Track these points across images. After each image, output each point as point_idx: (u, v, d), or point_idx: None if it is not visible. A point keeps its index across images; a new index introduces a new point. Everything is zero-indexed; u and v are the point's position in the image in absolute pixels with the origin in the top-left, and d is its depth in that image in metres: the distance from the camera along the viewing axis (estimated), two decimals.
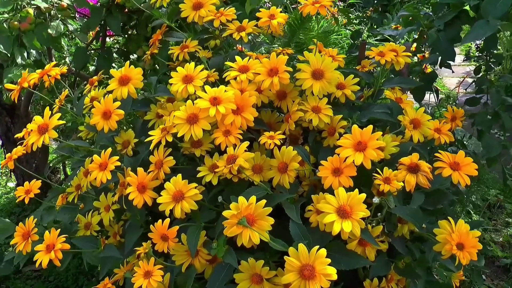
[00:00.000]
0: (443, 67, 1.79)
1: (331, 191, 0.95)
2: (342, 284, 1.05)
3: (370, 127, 1.01)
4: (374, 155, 0.98)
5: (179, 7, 1.38)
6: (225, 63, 1.23)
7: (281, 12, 1.36)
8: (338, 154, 1.01)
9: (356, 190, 0.93)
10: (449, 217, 1.00)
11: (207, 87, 1.10)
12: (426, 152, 1.20)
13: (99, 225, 1.28)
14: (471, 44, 4.19)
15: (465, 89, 2.59)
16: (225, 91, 1.09)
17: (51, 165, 2.34)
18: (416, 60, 1.89)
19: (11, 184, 3.14)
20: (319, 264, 0.83)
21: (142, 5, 1.64)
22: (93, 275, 2.10)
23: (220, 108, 1.05)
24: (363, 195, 0.92)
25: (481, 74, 1.83)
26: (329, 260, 0.83)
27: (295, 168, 1.07)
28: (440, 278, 1.25)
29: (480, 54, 1.88)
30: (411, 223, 1.06)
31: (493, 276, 2.07)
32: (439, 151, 1.06)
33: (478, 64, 1.88)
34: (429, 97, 1.93)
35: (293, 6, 2.54)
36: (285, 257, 0.85)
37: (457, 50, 4.86)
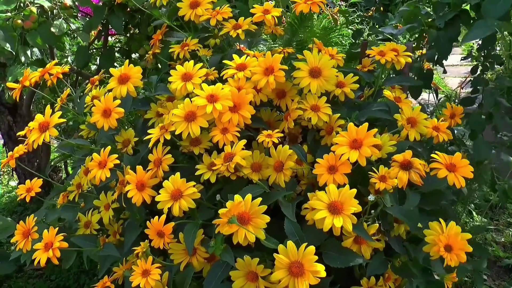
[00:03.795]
0: (441, 66, 1.79)
1: None
2: (338, 285, 1.06)
3: (366, 124, 1.02)
4: (369, 153, 0.99)
5: (178, 7, 1.39)
6: (224, 61, 1.24)
7: (275, 6, 1.37)
8: (334, 152, 1.02)
9: (347, 185, 0.94)
10: (440, 219, 1.00)
11: (204, 85, 1.12)
12: (424, 151, 1.21)
13: (99, 224, 1.29)
14: (473, 43, 4.18)
15: (462, 87, 2.60)
16: (222, 88, 1.10)
17: (52, 164, 2.36)
18: (417, 58, 1.89)
19: (13, 183, 3.16)
20: (308, 261, 0.84)
21: (144, 3, 1.65)
22: (94, 274, 2.11)
23: (216, 105, 1.06)
24: (354, 191, 0.93)
25: (478, 74, 1.84)
26: (316, 257, 0.84)
27: (291, 167, 1.08)
28: (440, 278, 1.25)
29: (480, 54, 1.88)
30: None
31: (494, 277, 2.07)
32: (436, 152, 1.06)
33: (476, 64, 1.89)
34: (429, 97, 1.94)
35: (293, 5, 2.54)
36: (275, 254, 0.86)
37: (459, 49, 4.87)
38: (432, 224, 1.00)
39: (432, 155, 1.06)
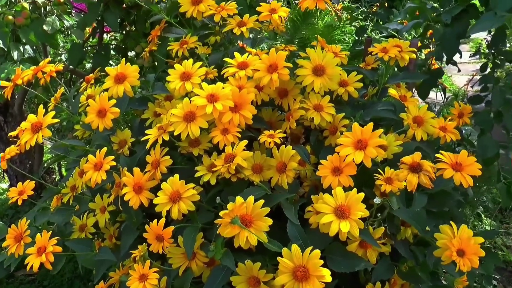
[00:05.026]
0: (450, 65, 1.79)
1: (331, 191, 0.95)
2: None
3: (371, 124, 1.02)
4: (374, 154, 0.99)
5: (178, 2, 1.39)
6: (224, 59, 1.24)
7: (282, 6, 1.37)
8: (338, 153, 1.02)
9: (355, 189, 0.94)
10: (451, 222, 1.00)
11: (204, 84, 1.12)
12: (431, 151, 1.21)
13: (95, 227, 1.29)
14: (481, 40, 4.19)
15: (471, 87, 2.59)
16: (222, 88, 1.10)
17: (45, 165, 2.36)
18: (424, 57, 1.90)
19: (4, 185, 3.16)
20: (313, 265, 0.84)
21: None
22: (89, 279, 2.11)
23: (217, 105, 1.06)
24: (362, 194, 0.93)
25: (487, 71, 1.83)
26: (322, 261, 0.84)
27: (294, 168, 1.09)
28: (448, 283, 1.26)
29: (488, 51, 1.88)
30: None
31: (505, 282, 2.07)
32: (441, 151, 1.06)
33: (485, 61, 1.89)
34: (436, 96, 1.94)
35: (296, 1, 2.56)
36: (278, 258, 0.86)
37: (466, 46, 4.89)
38: (443, 227, 1.00)
39: (437, 155, 1.06)
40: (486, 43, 2.28)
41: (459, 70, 2.00)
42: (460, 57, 1.68)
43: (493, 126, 1.58)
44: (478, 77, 1.95)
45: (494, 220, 2.47)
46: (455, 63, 1.76)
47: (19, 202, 1.29)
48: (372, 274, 1.09)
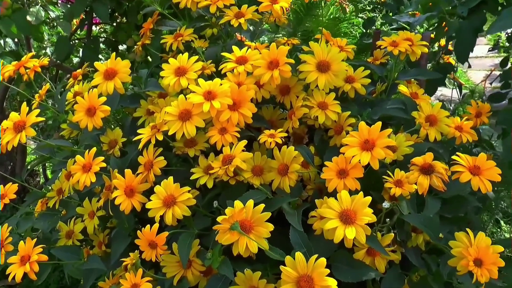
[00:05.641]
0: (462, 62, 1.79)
1: (336, 195, 0.95)
2: None
3: (379, 123, 1.02)
4: (382, 155, 0.99)
5: None
6: (222, 54, 1.24)
7: None
8: (344, 154, 1.02)
9: (361, 193, 0.94)
10: (467, 229, 0.99)
11: (200, 80, 1.12)
12: (446, 153, 1.21)
13: (83, 234, 1.30)
14: (501, 32, 4.19)
15: (490, 83, 2.58)
16: (220, 84, 1.11)
17: (29, 167, 2.36)
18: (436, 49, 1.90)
19: None
20: (318, 275, 0.84)
21: None
22: None
23: (214, 103, 1.07)
24: (368, 198, 0.93)
25: (508, 66, 1.83)
26: (328, 271, 0.84)
27: (297, 170, 1.09)
28: None
29: (509, 44, 1.88)
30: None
31: None
32: (457, 153, 1.05)
33: (506, 55, 1.89)
34: (452, 93, 1.93)
35: None
36: (282, 267, 0.86)
37: (484, 39, 4.88)
38: (459, 234, 0.99)
39: (453, 156, 1.05)
40: (506, 35, 2.27)
41: (469, 66, 1.99)
42: (471, 51, 1.68)
43: None
44: (496, 72, 1.95)
45: None
46: (466, 60, 1.76)
47: (0, 207, 1.29)
48: (380, 284, 1.08)
